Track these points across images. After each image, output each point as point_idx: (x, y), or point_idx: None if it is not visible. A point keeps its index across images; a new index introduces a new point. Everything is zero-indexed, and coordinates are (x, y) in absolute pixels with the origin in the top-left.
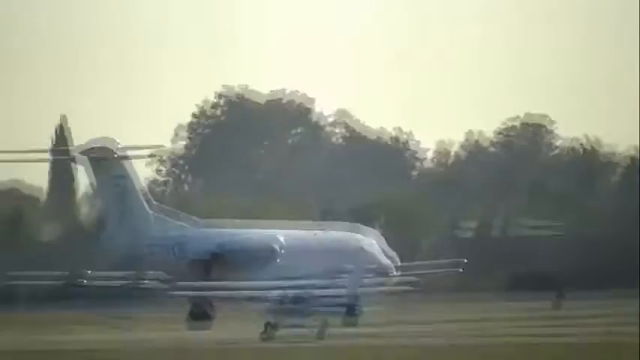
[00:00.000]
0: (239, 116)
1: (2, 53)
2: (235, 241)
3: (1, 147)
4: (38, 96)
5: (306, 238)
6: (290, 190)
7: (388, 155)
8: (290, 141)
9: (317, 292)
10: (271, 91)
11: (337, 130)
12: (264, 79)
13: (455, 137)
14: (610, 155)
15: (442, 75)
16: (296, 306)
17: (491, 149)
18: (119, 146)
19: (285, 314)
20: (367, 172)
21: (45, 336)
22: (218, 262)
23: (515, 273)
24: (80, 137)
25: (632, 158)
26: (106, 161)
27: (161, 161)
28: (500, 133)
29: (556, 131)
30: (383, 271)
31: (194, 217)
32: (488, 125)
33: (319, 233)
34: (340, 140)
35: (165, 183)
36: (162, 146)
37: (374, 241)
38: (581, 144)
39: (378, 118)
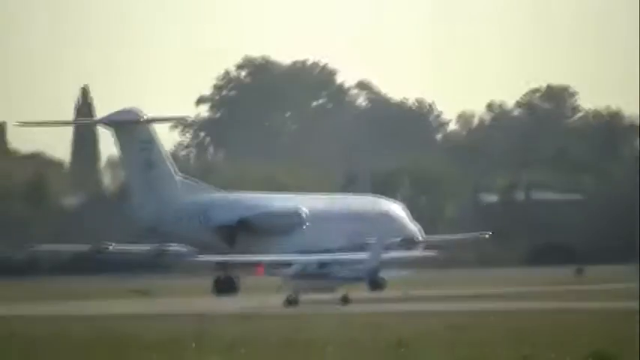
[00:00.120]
0: (263, 80)
1: (24, 29)
2: (262, 206)
3: (26, 118)
4: (60, 69)
5: (333, 203)
6: (314, 154)
7: (412, 119)
8: (314, 104)
9: (340, 257)
10: (293, 62)
11: (361, 94)
12: (286, 50)
13: (477, 109)
14: (635, 118)
15: (463, 46)
16: (319, 272)
17: (515, 112)
18: (145, 116)
19: (308, 280)
20: (391, 136)
21: (66, 304)
22: (244, 228)
23: (536, 244)
24: (102, 110)
25: None
26: (133, 126)
27: (185, 127)
28: (525, 95)
29: (578, 102)
30: (409, 237)
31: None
32: (509, 96)
33: (346, 196)
34: (364, 104)
35: (188, 148)
36: (186, 117)
37: (400, 207)
38: (607, 106)
39: (399, 89)
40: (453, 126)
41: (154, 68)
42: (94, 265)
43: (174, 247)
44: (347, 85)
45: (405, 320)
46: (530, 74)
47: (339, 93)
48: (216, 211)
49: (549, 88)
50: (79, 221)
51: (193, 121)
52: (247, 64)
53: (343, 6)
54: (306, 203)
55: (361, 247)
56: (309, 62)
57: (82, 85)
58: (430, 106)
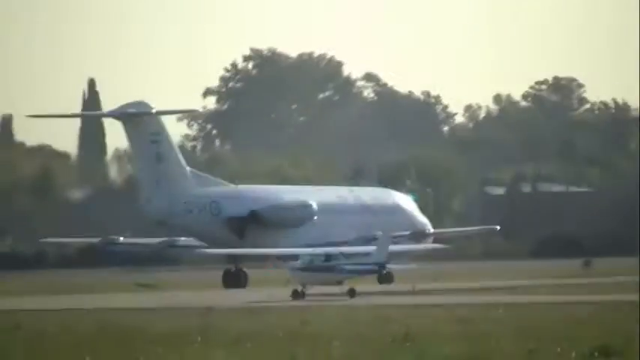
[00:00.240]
0: (270, 72)
1: (30, 22)
2: (272, 199)
3: (32, 111)
4: (66, 62)
5: (343, 196)
6: (320, 146)
7: (419, 112)
8: (320, 97)
9: (347, 250)
10: (300, 54)
11: (368, 86)
12: (292, 42)
13: (483, 101)
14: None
15: (470, 39)
16: (326, 265)
17: (522, 105)
18: (154, 109)
19: (315, 273)
20: (398, 128)
21: (72, 297)
22: (254, 221)
23: (543, 237)
24: (109, 102)
25: None
26: (143, 118)
27: (192, 119)
28: (531, 88)
29: (584, 94)
30: (419, 230)
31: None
32: (516, 89)
33: (355, 190)
34: (371, 96)
35: (195, 140)
36: (196, 110)
37: (409, 199)
38: (613, 99)
39: (406, 82)
40: (459, 118)
41: (161, 61)
42: (101, 258)
43: (184, 240)
44: (353, 77)
45: (412, 313)
46: (536, 66)
47: (346, 85)
48: (227, 204)
49: (556, 80)
50: (86, 214)
51: (201, 113)
52: (254, 56)
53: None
54: (316, 196)
55: (371, 240)
56: (316, 54)
57: (88, 78)
58: (437, 98)
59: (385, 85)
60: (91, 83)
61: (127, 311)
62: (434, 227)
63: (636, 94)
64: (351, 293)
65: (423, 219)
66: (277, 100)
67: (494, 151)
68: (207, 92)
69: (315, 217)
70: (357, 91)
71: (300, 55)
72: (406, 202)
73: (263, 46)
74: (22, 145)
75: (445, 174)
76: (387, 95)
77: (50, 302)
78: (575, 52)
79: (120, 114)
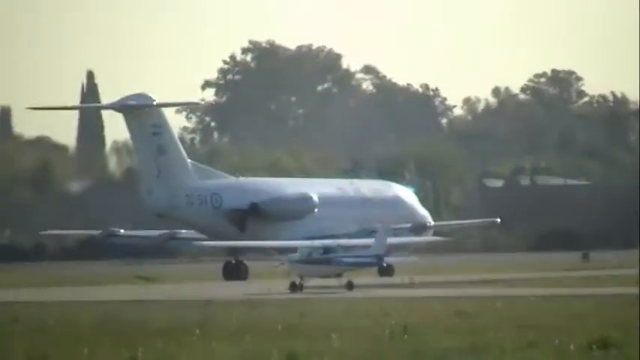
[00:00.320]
0: (269, 65)
1: (29, 14)
2: (273, 191)
3: (31, 103)
4: (64, 53)
5: (344, 189)
6: (319, 138)
7: (417, 104)
8: (319, 89)
9: (345, 243)
10: (299, 46)
11: (366, 79)
12: (291, 34)
13: (482, 94)
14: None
15: (469, 31)
16: (325, 257)
17: (521, 97)
18: (155, 101)
19: (314, 266)
20: (396, 120)
21: (71, 289)
22: (255, 213)
23: (542, 230)
24: (107, 94)
25: None
26: (144, 110)
27: (190, 111)
28: (530, 81)
29: (583, 87)
30: (420, 223)
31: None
32: (515, 81)
33: (356, 182)
34: (370, 88)
35: (193, 132)
36: (198, 102)
37: (410, 191)
38: (612, 92)
39: (405, 74)
40: (458, 111)
41: (160, 53)
42: (100, 250)
43: (185, 233)
44: (352, 69)
45: (410, 306)
46: (535, 59)
47: (345, 77)
48: (227, 196)
49: (554, 73)
50: (84, 206)
51: (200, 105)
52: (253, 48)
53: None
54: (317, 189)
55: (372, 233)
56: (315, 46)
57: (87, 70)
58: (435, 91)
59: (384, 77)
60: (90, 75)
61: (126, 304)
62: (433, 220)
63: (635, 87)
64: (349, 286)
65: (423, 211)
66: (276, 92)
67: (492, 143)
68: (206, 85)
69: (316, 210)
70: (355, 84)
71: (299, 48)
72: (407, 194)
73: (262, 38)
74: (20, 137)
75: (444, 167)
76: (385, 88)
77: (48, 294)
78: (574, 45)
79: (121, 106)
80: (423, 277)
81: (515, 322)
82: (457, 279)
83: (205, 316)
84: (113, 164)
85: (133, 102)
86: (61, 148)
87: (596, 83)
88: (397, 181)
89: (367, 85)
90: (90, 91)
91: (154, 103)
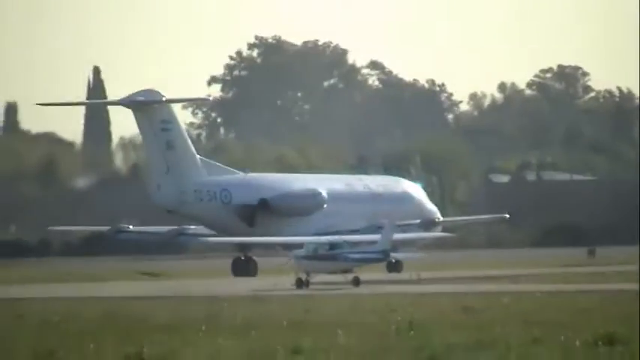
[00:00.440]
0: (275, 60)
1: (34, 9)
2: (283, 187)
3: (37, 98)
4: (70, 49)
5: (352, 183)
6: (325, 134)
7: (424, 100)
8: (325, 84)
9: (351, 239)
10: (305, 42)
11: (373, 74)
12: (297, 30)
13: (488, 89)
14: None
15: (475, 27)
16: (331, 253)
17: (527, 93)
18: (164, 97)
19: (320, 262)
20: (402, 116)
21: (77, 285)
22: (264, 209)
23: (548, 225)
24: (113, 90)
25: None
26: (153, 106)
27: (197, 107)
28: (536, 76)
29: (589, 82)
30: (429, 219)
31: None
32: (521, 77)
33: (365, 178)
34: (376, 84)
35: (200, 128)
36: (206, 99)
37: (419, 187)
38: (618, 87)
39: (411, 69)
40: (464, 106)
41: (166, 48)
42: (106, 246)
43: (194, 229)
44: (358, 65)
45: (416, 302)
46: (541, 55)
47: (351, 73)
48: (237, 192)
49: (560, 68)
50: (90, 202)
51: (208, 101)
52: (259, 44)
53: None
54: (326, 184)
55: (380, 229)
56: (321, 42)
57: (93, 66)
58: (441, 86)
59: (390, 73)
60: (96, 71)
61: (132, 300)
62: (440, 215)
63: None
64: (356, 282)
65: (432, 207)
66: (282, 87)
67: (498, 139)
68: (212, 80)
69: (325, 206)
70: (361, 79)
71: (305, 43)
72: (415, 190)
73: (268, 34)
74: (27, 132)
75: (450, 162)
76: (391, 83)
77: (54, 290)
78: (580, 41)
79: (130, 102)
80: (430, 272)
81: (520, 318)
82: (463, 275)
83: (211, 312)
84: (119, 160)
85: (142, 98)
86: (67, 144)
87: (602, 78)
88: (403, 177)
89: (373, 81)
90: (96, 87)
91: (163, 99)
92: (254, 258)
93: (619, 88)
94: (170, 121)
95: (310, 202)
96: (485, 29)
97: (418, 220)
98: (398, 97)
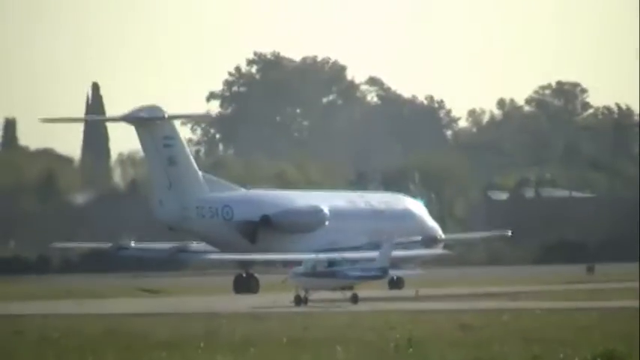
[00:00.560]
0: (274, 76)
1: (34, 26)
2: (285, 203)
3: (36, 114)
4: (69, 65)
5: (354, 200)
6: (324, 150)
7: (422, 116)
8: (324, 101)
9: (350, 256)
10: (304, 58)
11: (371, 90)
12: (296, 46)
13: (487, 105)
14: None
15: (473, 43)
16: (329, 270)
17: (526, 109)
18: (167, 113)
19: (318, 279)
20: (401, 132)
21: (76, 302)
22: (266, 225)
23: (547, 242)
24: (111, 106)
25: None
26: (156, 122)
27: (196, 123)
28: (535, 92)
29: (587, 99)
30: (430, 236)
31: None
32: (519, 93)
33: (366, 195)
34: (374, 100)
35: (198, 144)
36: (208, 115)
37: (420, 204)
38: (617, 104)
39: (410, 86)
40: (463, 123)
41: (165, 64)
42: (106, 263)
43: (196, 245)
44: (357, 81)
45: (415, 319)
46: (540, 71)
47: (350, 89)
48: (239, 208)
49: (559, 85)
50: (89, 218)
51: (211, 117)
52: (258, 60)
53: (353, 2)
54: (328, 201)
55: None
56: (320, 58)
57: (92, 82)
58: (440, 103)
59: (389, 89)
60: (95, 87)
61: (132, 316)
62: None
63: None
64: (354, 299)
65: (433, 224)
66: (281, 104)
67: (497, 155)
68: (211, 96)
69: (327, 223)
70: (360, 95)
71: (304, 59)
72: (417, 207)
73: (267, 49)
74: (25, 148)
75: (448, 179)
76: (390, 99)
77: (53, 307)
78: (579, 57)
79: (132, 118)
80: (429, 289)
81: (520, 335)
82: (462, 292)
83: (210, 329)
84: (118, 176)
85: (144, 114)
86: (66, 160)
87: (600, 95)
88: (402, 193)
89: (372, 97)
90: (95, 103)
91: (166, 115)
92: (255, 275)
93: (618, 105)
94: (172, 137)
95: (312, 219)
96: (484, 46)
97: (420, 237)
98: (397, 114)
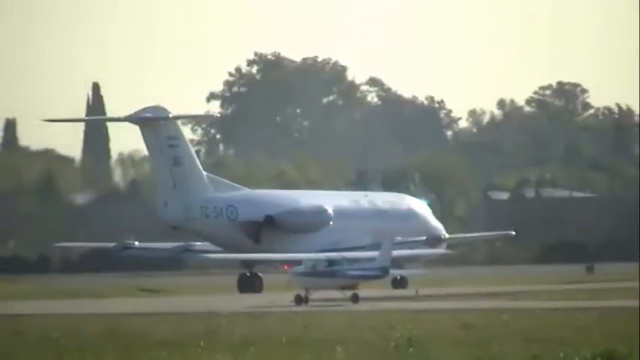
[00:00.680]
0: (274, 77)
1: (33, 27)
2: (289, 203)
3: (36, 115)
4: (69, 66)
5: (358, 200)
6: (324, 150)
7: (423, 116)
8: (325, 101)
9: (350, 255)
10: (304, 58)
11: (372, 91)
12: (296, 46)
13: (486, 107)
14: None
15: (474, 44)
16: (330, 270)
17: (526, 110)
18: (171, 114)
19: (318, 278)
20: (401, 133)
21: (76, 301)
22: (270, 225)
23: (547, 242)
24: (112, 107)
25: None
26: (160, 123)
27: (196, 123)
28: (536, 92)
29: (588, 99)
30: (434, 235)
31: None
32: (520, 94)
33: (370, 195)
34: (375, 101)
35: (199, 144)
36: (212, 116)
37: (424, 204)
38: (617, 104)
39: (410, 86)
40: (463, 123)
41: (165, 65)
42: (107, 263)
43: (200, 245)
44: (358, 81)
45: (415, 318)
46: (540, 71)
47: (350, 89)
48: (243, 208)
49: (560, 85)
50: (89, 218)
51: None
52: (258, 60)
53: (354, 3)
54: (332, 201)
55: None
56: (320, 59)
57: (92, 82)
58: (440, 103)
59: (389, 89)
60: (96, 87)
61: (132, 316)
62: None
63: (638, 100)
64: (354, 298)
65: (437, 224)
66: (281, 104)
67: (498, 156)
68: (211, 97)
69: (331, 222)
70: (361, 96)
71: (305, 60)
72: (421, 207)
73: (267, 50)
74: (26, 149)
75: (449, 179)
76: (391, 100)
77: (53, 307)
78: (579, 57)
79: (137, 119)
80: (430, 289)
81: (520, 335)
82: (463, 291)
83: (210, 328)
84: (118, 176)
85: (149, 114)
86: (67, 160)
87: (601, 95)
88: (402, 193)
89: (372, 98)
90: (95, 103)
91: (170, 115)
92: (259, 274)
93: (618, 105)
94: (177, 138)
95: (316, 219)
96: (484, 46)
97: (424, 237)
98: (397, 114)
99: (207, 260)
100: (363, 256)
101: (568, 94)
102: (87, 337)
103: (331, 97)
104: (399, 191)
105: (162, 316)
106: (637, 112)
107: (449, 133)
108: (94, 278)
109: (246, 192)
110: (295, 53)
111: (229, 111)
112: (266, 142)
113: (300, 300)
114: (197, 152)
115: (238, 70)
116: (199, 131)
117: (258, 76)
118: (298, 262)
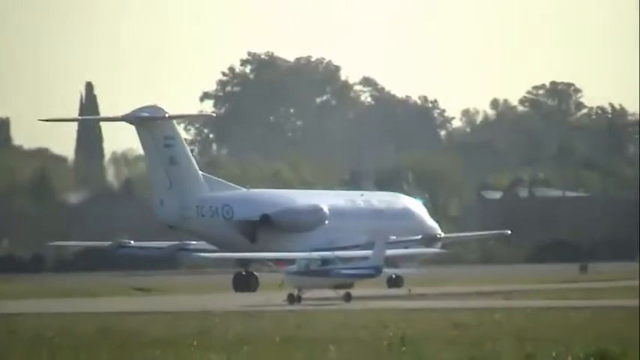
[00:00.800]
0: (268, 76)
1: (28, 26)
2: (285, 202)
3: (30, 114)
4: (63, 65)
5: (354, 199)
6: (318, 150)
7: (416, 116)
8: (318, 101)
9: (343, 254)
10: (297, 58)
11: (365, 90)
12: (290, 46)
13: (480, 106)
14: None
15: (467, 43)
16: (323, 269)
17: (519, 109)
18: (168, 113)
19: (311, 277)
20: (395, 132)
21: (70, 300)
22: (266, 224)
23: (540, 241)
24: (105, 106)
25: None
26: (156, 122)
27: (190, 123)
28: (529, 92)
29: (581, 99)
30: (430, 234)
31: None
32: (513, 93)
33: (366, 194)
34: (368, 100)
35: (192, 144)
36: (209, 115)
37: (420, 203)
38: (610, 104)
39: (403, 86)
40: (456, 123)
41: (159, 64)
42: (100, 262)
43: (195, 244)
44: (351, 81)
45: (408, 317)
46: (534, 71)
47: (343, 89)
48: (239, 207)
49: (553, 85)
50: (83, 217)
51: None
52: (252, 60)
53: (347, 3)
54: (328, 200)
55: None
56: (314, 58)
57: (85, 82)
58: (434, 102)
59: (383, 89)
60: (89, 87)
61: (125, 315)
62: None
63: (635, 98)
64: (347, 297)
65: (433, 223)
66: (275, 104)
67: (491, 155)
68: (205, 96)
69: (327, 222)
70: (354, 96)
71: (298, 59)
72: (416, 206)
73: (261, 50)
74: (19, 148)
75: (442, 178)
76: (384, 99)
77: (46, 306)
78: (573, 57)
79: (134, 118)
80: (423, 288)
81: (513, 334)
82: (456, 290)
83: (204, 328)
84: (111, 175)
85: (145, 114)
86: (60, 159)
87: (594, 95)
88: (396, 192)
89: (366, 97)
90: (89, 103)
91: (167, 115)
92: (255, 273)
93: (611, 105)
94: (173, 137)
95: (312, 218)
96: (477, 46)
97: (419, 236)
98: (390, 114)
99: (202, 259)
100: (357, 255)
101: (561, 93)
102: (81, 336)
103: (325, 97)
104: (392, 191)
105: (156, 315)
106: (630, 112)
107: (442, 132)
108: (88, 277)
109: (242, 191)
110: (289, 53)
111: (222, 110)
112: (259, 142)
113: (292, 299)
114: (190, 152)
115: (232, 69)
116: (192, 131)
117: (251, 76)
118: (293, 261)
